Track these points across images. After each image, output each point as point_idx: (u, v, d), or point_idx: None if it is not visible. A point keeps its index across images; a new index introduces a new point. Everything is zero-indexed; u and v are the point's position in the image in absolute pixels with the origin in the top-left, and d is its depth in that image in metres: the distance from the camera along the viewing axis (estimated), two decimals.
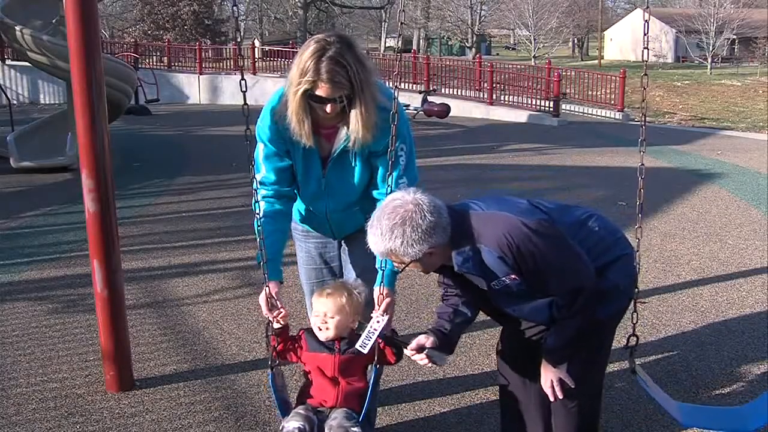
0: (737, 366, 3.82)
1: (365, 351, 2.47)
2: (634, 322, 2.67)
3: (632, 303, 2.61)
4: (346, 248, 2.95)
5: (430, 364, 2.48)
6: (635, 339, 2.67)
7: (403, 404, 3.43)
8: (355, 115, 2.53)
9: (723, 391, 3.55)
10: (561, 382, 2.49)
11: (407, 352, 2.49)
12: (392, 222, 2.24)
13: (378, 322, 2.47)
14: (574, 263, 2.34)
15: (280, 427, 2.48)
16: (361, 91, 2.49)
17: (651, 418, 3.26)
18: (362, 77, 2.48)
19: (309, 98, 2.50)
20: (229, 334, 4.26)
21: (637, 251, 2.58)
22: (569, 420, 2.61)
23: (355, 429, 2.43)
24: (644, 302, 4.68)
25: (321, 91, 2.46)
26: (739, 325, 4.38)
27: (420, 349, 2.46)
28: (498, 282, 2.34)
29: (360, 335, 2.51)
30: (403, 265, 2.35)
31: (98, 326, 3.56)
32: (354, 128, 2.55)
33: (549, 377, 2.50)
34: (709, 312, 4.59)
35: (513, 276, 2.31)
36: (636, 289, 2.59)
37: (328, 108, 2.50)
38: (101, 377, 3.60)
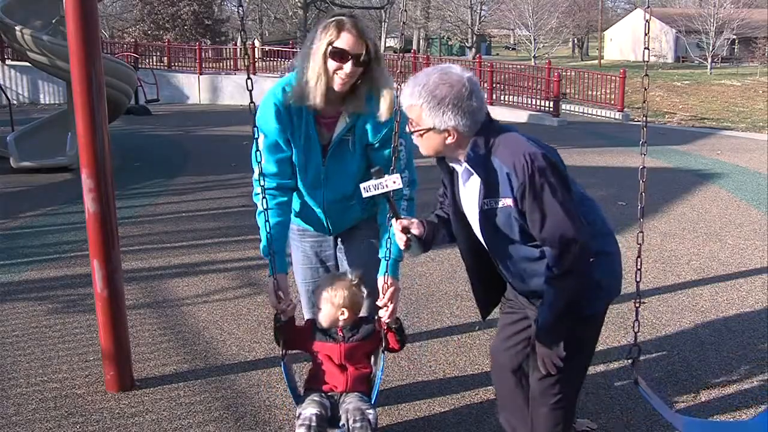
0: (737, 366, 3.82)
1: (364, 194, 2.47)
2: (636, 331, 2.65)
3: (635, 311, 2.60)
4: (343, 246, 2.96)
5: (405, 249, 2.47)
6: (637, 350, 2.62)
7: (403, 404, 3.43)
8: (377, 76, 2.59)
9: (723, 392, 3.54)
10: (551, 361, 2.44)
11: (395, 224, 2.46)
12: (442, 81, 2.25)
13: (395, 182, 2.42)
14: (574, 213, 2.29)
15: (297, 413, 2.59)
16: (377, 60, 2.57)
17: (651, 419, 3.26)
18: (377, 46, 2.58)
19: (330, 55, 2.52)
20: (229, 334, 4.26)
21: (638, 256, 2.58)
22: (546, 415, 2.60)
23: (370, 411, 2.55)
24: (644, 302, 4.68)
25: (344, 42, 2.51)
26: (739, 325, 4.38)
27: (405, 230, 2.45)
28: (489, 202, 2.31)
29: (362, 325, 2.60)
30: (417, 129, 2.33)
31: (98, 326, 3.56)
32: (376, 86, 2.60)
33: (540, 355, 2.45)
34: (709, 312, 4.59)
35: (508, 203, 2.28)
36: (638, 293, 2.59)
37: (349, 67, 2.52)
38: (101, 377, 3.60)
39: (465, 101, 2.25)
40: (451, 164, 2.45)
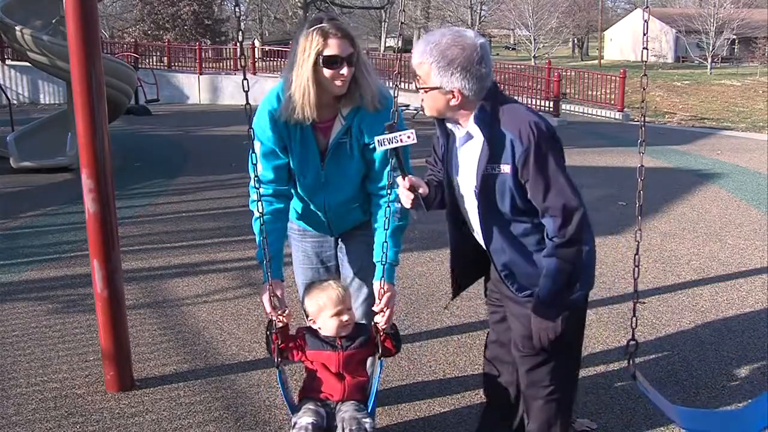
0: (737, 366, 3.82)
1: (378, 147, 2.43)
2: (634, 326, 2.65)
3: (633, 307, 2.61)
4: (344, 247, 2.96)
5: (412, 207, 2.47)
6: (634, 343, 2.62)
7: (403, 404, 3.43)
8: (361, 77, 2.57)
9: (723, 391, 3.55)
10: (547, 335, 2.42)
11: (403, 182, 2.42)
12: (455, 43, 2.26)
13: (409, 137, 2.37)
14: (573, 185, 2.32)
15: (293, 423, 2.53)
16: (358, 55, 2.56)
17: (651, 418, 3.26)
18: (359, 45, 2.57)
19: (324, 65, 2.50)
20: (229, 334, 4.26)
21: (636, 253, 2.58)
22: (541, 407, 2.61)
23: (367, 420, 2.50)
24: (644, 302, 4.68)
25: (334, 48, 2.48)
26: (739, 325, 4.38)
27: (413, 188, 2.43)
28: (488, 167, 2.32)
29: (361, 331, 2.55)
30: (423, 87, 2.34)
31: (98, 326, 3.56)
32: (362, 77, 2.58)
33: (537, 330, 2.43)
34: (709, 312, 4.59)
35: (506, 170, 2.29)
36: (635, 292, 2.58)
37: (345, 70, 2.51)
38: (101, 377, 3.60)
39: (474, 66, 2.27)
40: (449, 126, 2.46)
